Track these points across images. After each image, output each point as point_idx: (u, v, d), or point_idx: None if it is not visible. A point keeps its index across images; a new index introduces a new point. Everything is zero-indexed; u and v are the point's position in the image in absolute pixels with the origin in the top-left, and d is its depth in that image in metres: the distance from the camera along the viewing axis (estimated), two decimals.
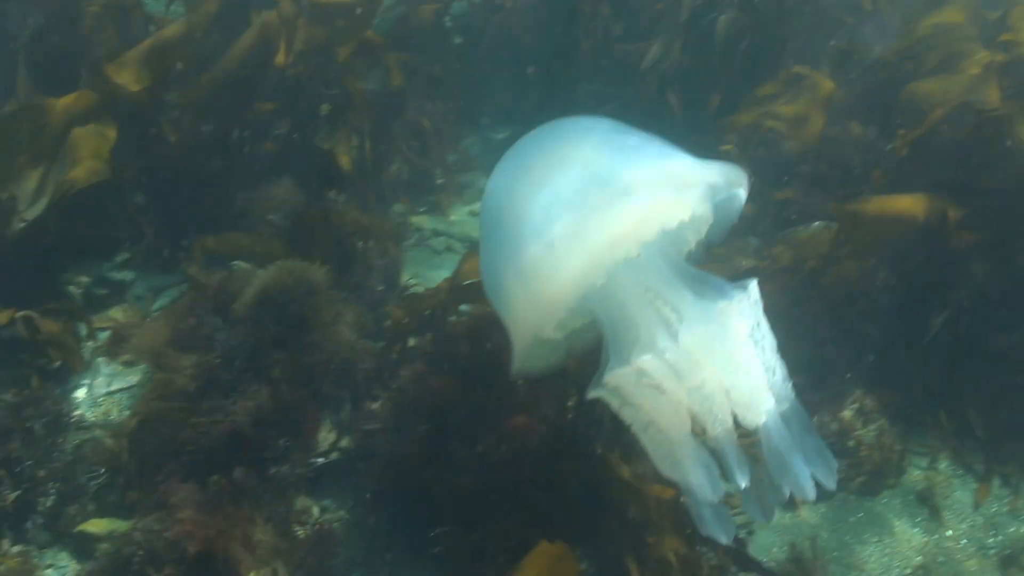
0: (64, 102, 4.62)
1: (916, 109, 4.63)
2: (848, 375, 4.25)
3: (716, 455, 2.40)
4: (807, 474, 2.35)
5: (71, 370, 4.39)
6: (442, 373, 3.65)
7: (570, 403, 3.46)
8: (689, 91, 5.78)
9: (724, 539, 2.45)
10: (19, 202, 4.50)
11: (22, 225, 4.44)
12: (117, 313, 4.70)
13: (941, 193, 4.25)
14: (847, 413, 4.12)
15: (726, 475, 2.38)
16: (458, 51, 6.36)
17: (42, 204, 4.47)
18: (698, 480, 2.39)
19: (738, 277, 2.57)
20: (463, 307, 4.37)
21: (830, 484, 2.38)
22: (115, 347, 4.44)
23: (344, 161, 5.10)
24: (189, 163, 4.91)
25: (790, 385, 2.43)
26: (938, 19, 5.17)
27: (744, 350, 2.39)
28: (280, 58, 4.93)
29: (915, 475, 4.23)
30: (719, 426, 2.35)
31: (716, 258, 4.90)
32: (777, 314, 4.16)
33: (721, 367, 2.36)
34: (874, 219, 4.28)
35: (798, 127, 5.03)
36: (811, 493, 2.35)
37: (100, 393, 4.32)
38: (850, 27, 6.01)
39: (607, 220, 2.38)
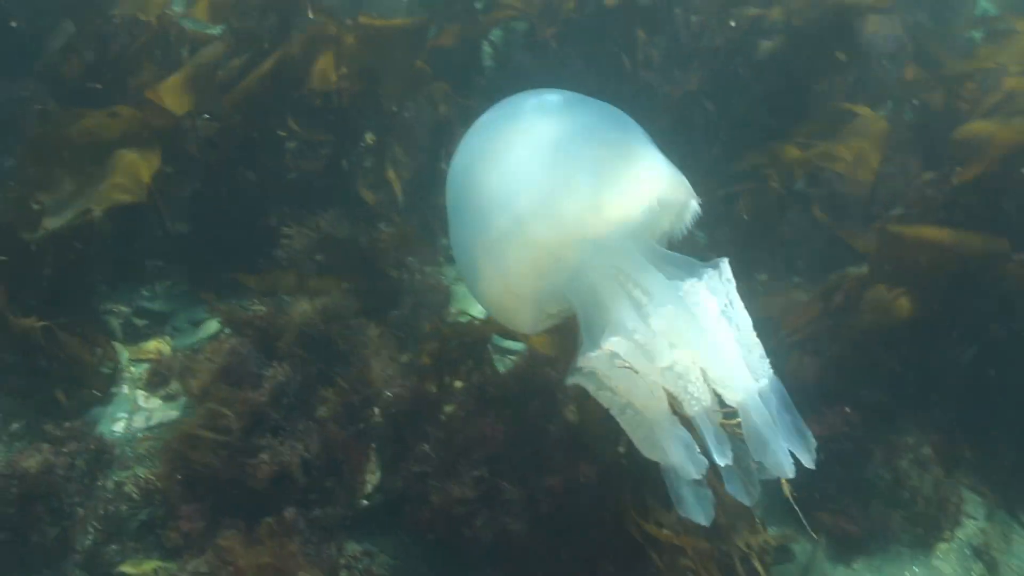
0: (106, 120, 4.63)
1: (972, 148, 4.60)
2: (903, 418, 4.21)
3: (696, 434, 2.42)
4: (785, 450, 2.35)
5: (108, 402, 4.40)
6: (490, 413, 3.63)
7: (620, 448, 3.44)
8: (723, 117, 5.79)
9: (703, 520, 2.45)
10: (48, 214, 4.46)
11: (41, 233, 4.39)
12: (156, 345, 4.70)
13: (992, 230, 4.25)
14: (903, 463, 4.08)
15: (706, 454, 2.39)
16: (495, 79, 6.35)
17: (67, 215, 4.43)
18: (678, 459, 2.40)
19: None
20: (508, 343, 4.37)
21: (808, 461, 2.37)
22: (155, 381, 4.45)
23: (395, 188, 5.10)
24: (225, 184, 4.93)
25: (768, 363, 2.43)
26: (994, 60, 5.16)
27: (716, 328, 2.41)
28: (329, 76, 4.92)
29: (970, 527, 4.18)
30: (696, 405, 2.36)
31: (770, 291, 4.93)
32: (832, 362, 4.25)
33: (693, 345, 2.38)
34: (915, 244, 4.29)
35: (854, 166, 5.00)
36: (790, 470, 2.34)
37: (139, 428, 4.32)
38: (889, 64, 6.01)
39: (574, 198, 2.46)
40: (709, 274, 2.47)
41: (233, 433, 3.49)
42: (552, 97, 2.76)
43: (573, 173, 2.50)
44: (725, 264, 2.50)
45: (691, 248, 2.67)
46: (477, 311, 4.72)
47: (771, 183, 5.26)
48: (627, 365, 2.40)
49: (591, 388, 2.54)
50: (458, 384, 3.94)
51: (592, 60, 6.01)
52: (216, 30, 5.53)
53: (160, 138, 4.62)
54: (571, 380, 2.57)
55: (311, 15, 5.06)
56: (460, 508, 3.42)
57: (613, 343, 2.39)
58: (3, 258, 4.23)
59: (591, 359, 2.44)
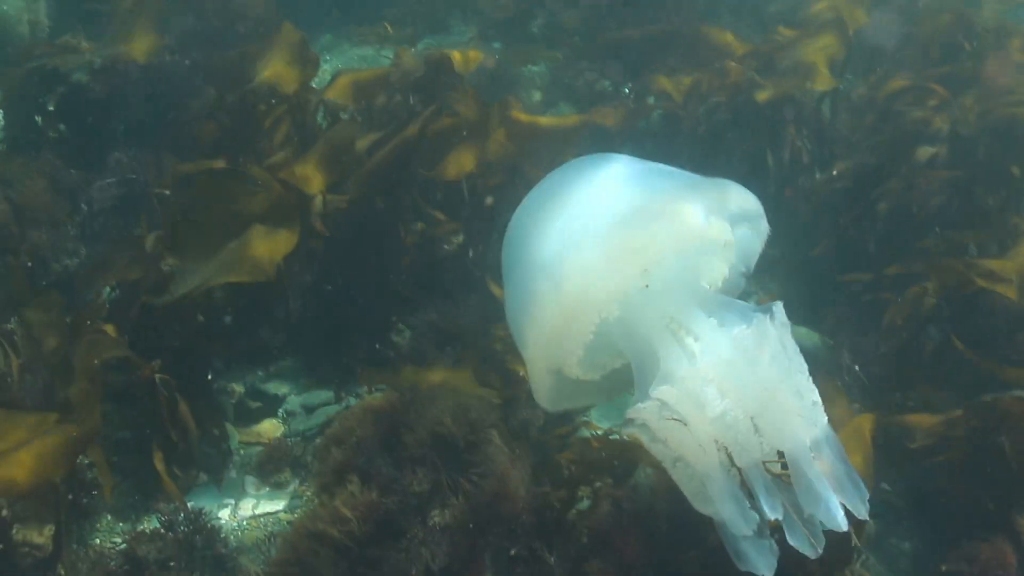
0: (241, 195, 4.59)
1: None
2: None
3: (748, 486, 2.38)
4: (836, 502, 2.32)
5: (216, 485, 4.28)
6: (630, 533, 3.45)
7: None
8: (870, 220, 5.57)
9: (766, 571, 2.37)
10: (175, 280, 4.42)
11: (167, 298, 4.34)
12: (268, 428, 4.58)
13: None
14: None
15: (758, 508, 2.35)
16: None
17: (193, 283, 4.36)
18: (729, 514, 2.36)
19: None
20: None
21: (861, 513, 2.35)
22: (266, 467, 4.32)
23: None
24: (349, 265, 4.85)
25: (821, 409, 2.40)
26: None
27: (768, 375, 2.36)
28: (465, 166, 4.86)
29: None
30: (747, 456, 2.33)
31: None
32: None
33: (744, 394, 2.34)
34: None
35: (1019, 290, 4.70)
36: (843, 523, 2.31)
37: (245, 516, 4.19)
38: None
39: (609, 246, 2.47)
40: (759, 319, 2.41)
41: (357, 538, 3.31)
42: (598, 160, 2.79)
43: (611, 225, 2.51)
44: (779, 307, 2.45)
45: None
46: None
47: (927, 297, 4.97)
48: (677, 415, 2.37)
49: (645, 440, 2.49)
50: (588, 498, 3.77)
51: (735, 153, 5.91)
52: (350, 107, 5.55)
53: (292, 217, 4.55)
54: (626, 431, 2.55)
55: (454, 99, 5.01)
56: None
57: (662, 392, 2.37)
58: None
59: (640, 410, 2.41)
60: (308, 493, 4.17)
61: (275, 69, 5.65)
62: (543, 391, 2.81)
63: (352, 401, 4.64)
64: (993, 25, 6.74)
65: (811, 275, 5.55)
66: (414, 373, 4.21)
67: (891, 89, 6.04)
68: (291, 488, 4.31)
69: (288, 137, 5.40)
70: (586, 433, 4.35)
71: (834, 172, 5.73)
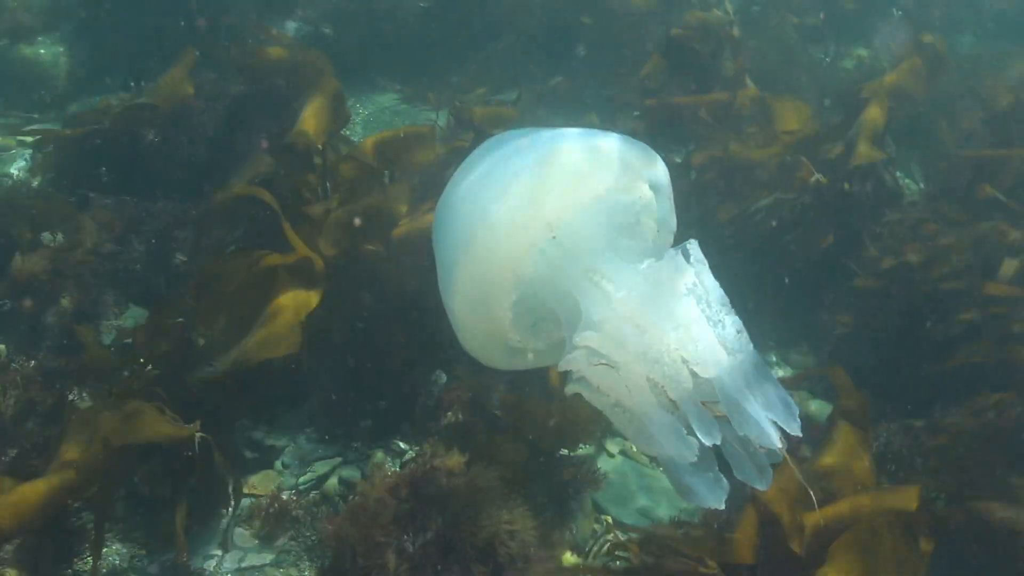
0: (272, 259, 4.68)
1: None
2: None
3: (685, 418, 2.44)
4: (767, 420, 2.38)
5: (203, 534, 4.25)
6: None
7: None
8: None
9: (717, 504, 2.47)
10: (208, 353, 4.50)
11: (205, 374, 4.41)
12: (259, 479, 4.55)
13: None
14: None
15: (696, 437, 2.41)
16: None
17: (228, 360, 4.42)
18: (668, 445, 2.43)
19: None
20: None
21: (793, 429, 2.41)
22: (255, 520, 4.29)
23: None
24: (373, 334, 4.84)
25: (745, 336, 2.47)
26: None
27: (683, 306, 2.45)
28: None
29: None
30: (679, 388, 2.40)
31: None
32: None
33: (663, 327, 2.42)
34: None
35: None
36: (776, 440, 2.38)
37: (229, 569, 4.14)
38: None
39: (509, 204, 2.57)
40: (670, 254, 2.51)
41: None
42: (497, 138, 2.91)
43: (508, 184, 2.61)
44: (694, 245, 2.55)
45: None
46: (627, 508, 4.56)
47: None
48: (605, 360, 2.45)
49: (585, 393, 2.56)
50: None
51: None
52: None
53: (316, 280, 4.66)
54: (567, 390, 2.60)
55: None
56: None
57: (584, 338, 2.46)
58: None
59: (570, 361, 2.50)
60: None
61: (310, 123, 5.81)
62: (488, 355, 2.90)
63: (351, 456, 4.64)
64: None
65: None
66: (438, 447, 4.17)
67: None
68: (280, 542, 4.26)
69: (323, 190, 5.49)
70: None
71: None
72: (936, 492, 4.46)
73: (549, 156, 2.65)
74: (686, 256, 2.53)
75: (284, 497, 4.41)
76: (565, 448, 4.39)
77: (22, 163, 6.84)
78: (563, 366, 2.54)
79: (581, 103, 8.23)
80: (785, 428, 2.40)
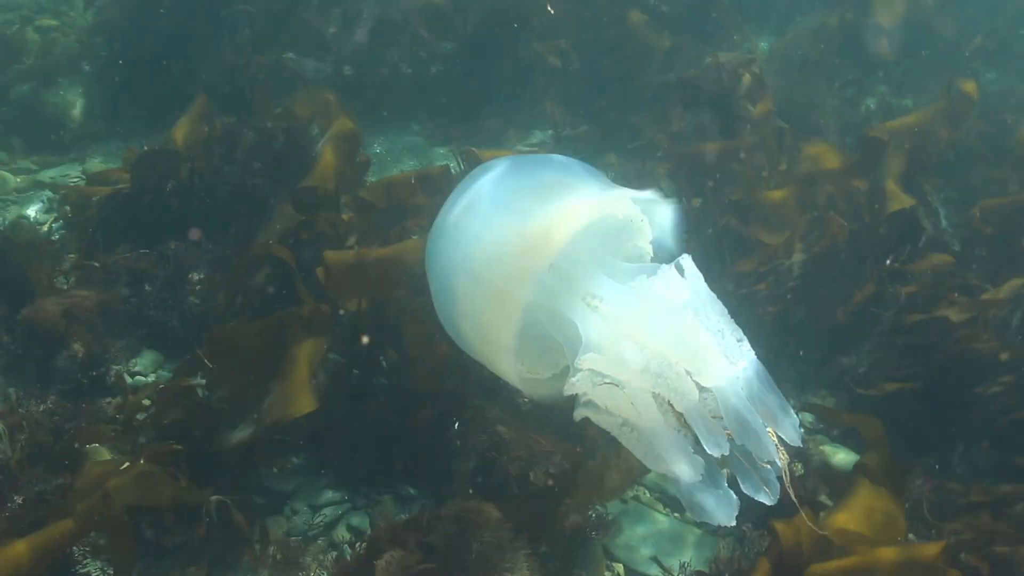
0: (284, 314, 4.75)
1: None
2: None
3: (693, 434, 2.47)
4: (765, 431, 2.42)
5: None
6: None
7: None
8: None
9: (727, 521, 2.48)
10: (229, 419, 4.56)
11: (234, 441, 4.48)
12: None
13: None
14: None
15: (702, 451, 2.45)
16: None
17: (251, 429, 4.51)
18: (676, 463, 2.46)
19: None
20: None
21: (793, 439, 2.45)
22: (264, 568, 4.27)
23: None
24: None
25: (746, 345, 2.50)
26: None
27: (680, 319, 2.48)
28: None
29: None
30: (684, 400, 2.42)
31: None
32: None
33: (661, 341, 2.46)
34: None
35: None
36: (773, 451, 2.42)
37: None
38: None
39: (512, 235, 2.60)
40: (663, 269, 2.56)
41: None
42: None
43: (498, 217, 2.66)
44: (687, 259, 2.58)
45: None
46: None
47: None
48: (607, 379, 2.49)
49: (592, 416, 2.59)
50: None
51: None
52: None
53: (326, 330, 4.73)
54: (577, 414, 2.62)
55: None
56: None
57: (585, 360, 2.50)
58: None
59: (574, 385, 2.54)
60: None
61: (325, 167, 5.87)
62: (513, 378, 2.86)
63: (359, 502, 4.63)
64: None
65: None
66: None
67: None
68: None
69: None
70: None
71: None
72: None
73: (531, 182, 2.72)
74: (680, 271, 2.57)
75: (292, 544, 4.38)
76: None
77: (39, 205, 6.94)
78: (567, 390, 2.58)
79: (602, 143, 8.23)
80: (785, 439, 2.45)
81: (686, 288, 2.53)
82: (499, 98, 8.72)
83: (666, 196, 2.84)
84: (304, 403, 4.46)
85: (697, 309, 2.51)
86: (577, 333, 2.55)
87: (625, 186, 2.77)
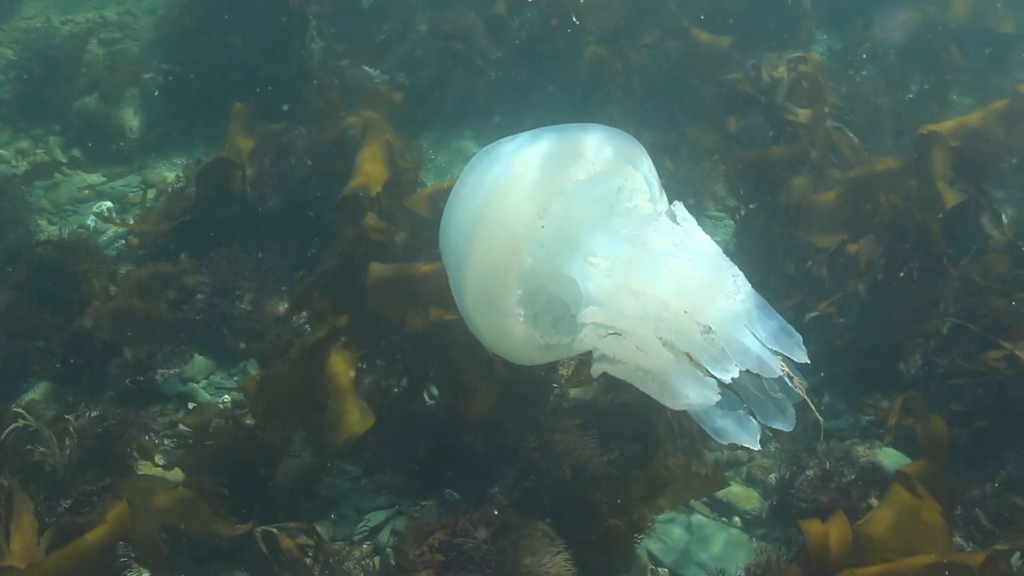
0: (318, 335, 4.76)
1: None
2: None
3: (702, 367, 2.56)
4: (768, 351, 2.51)
5: None
6: None
7: None
8: None
9: (751, 443, 2.57)
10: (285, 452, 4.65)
11: (290, 477, 4.59)
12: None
13: None
14: None
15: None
16: None
17: (306, 459, 4.62)
18: (692, 392, 2.54)
19: None
20: None
21: (799, 356, 2.53)
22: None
23: None
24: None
25: (742, 278, 2.58)
26: None
27: (675, 262, 2.57)
28: None
29: None
30: (688, 339, 2.52)
31: None
32: None
33: (656, 286, 2.55)
34: None
35: None
36: (777, 368, 2.50)
37: None
38: None
39: (505, 197, 2.73)
40: (652, 218, 2.70)
41: None
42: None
43: (495, 184, 2.78)
44: (679, 205, 2.70)
45: None
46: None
47: None
48: (611, 330, 2.58)
49: (608, 368, 2.68)
50: None
51: None
52: None
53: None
54: (594, 370, 2.71)
55: None
56: None
57: (586, 314, 2.60)
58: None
59: (581, 340, 2.64)
60: None
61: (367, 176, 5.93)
62: (516, 355, 2.98)
63: (404, 506, 4.71)
64: None
65: None
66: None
67: None
68: None
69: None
70: None
71: None
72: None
73: (527, 153, 2.80)
74: (672, 217, 2.68)
75: (337, 549, 4.45)
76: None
77: (99, 214, 7.13)
78: (577, 347, 2.69)
79: (663, 151, 8.20)
80: (789, 356, 2.53)
81: (678, 233, 2.64)
82: (553, 104, 8.72)
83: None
84: (356, 422, 4.49)
85: (692, 251, 2.60)
86: (579, 291, 2.64)
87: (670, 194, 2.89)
